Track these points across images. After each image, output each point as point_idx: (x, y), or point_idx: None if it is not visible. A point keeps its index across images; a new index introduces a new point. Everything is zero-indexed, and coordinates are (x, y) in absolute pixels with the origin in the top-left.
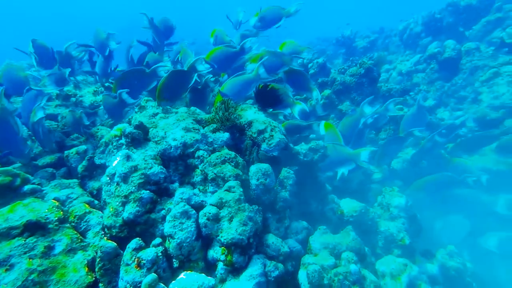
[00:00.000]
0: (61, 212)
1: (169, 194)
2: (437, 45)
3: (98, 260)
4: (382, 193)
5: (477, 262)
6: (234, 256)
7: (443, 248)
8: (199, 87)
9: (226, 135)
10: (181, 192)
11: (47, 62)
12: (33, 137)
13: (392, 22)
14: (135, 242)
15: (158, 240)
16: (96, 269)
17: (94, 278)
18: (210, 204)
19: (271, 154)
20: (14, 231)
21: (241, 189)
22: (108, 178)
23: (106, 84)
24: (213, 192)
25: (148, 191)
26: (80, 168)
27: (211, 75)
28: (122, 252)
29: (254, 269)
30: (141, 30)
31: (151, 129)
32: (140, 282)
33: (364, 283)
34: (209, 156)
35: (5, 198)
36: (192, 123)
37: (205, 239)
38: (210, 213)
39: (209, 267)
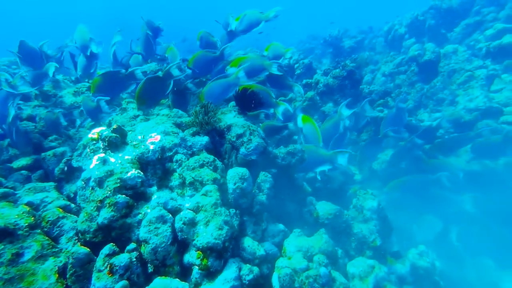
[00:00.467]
0: (32, 218)
1: (147, 198)
2: (418, 47)
3: (69, 266)
4: (357, 196)
5: (447, 260)
6: (209, 260)
7: (415, 247)
8: (180, 88)
9: (205, 139)
10: (158, 197)
11: (33, 62)
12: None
13: (383, 20)
14: (108, 247)
15: (132, 245)
16: (68, 276)
17: (65, 285)
18: (187, 209)
19: (250, 158)
20: None
21: (218, 193)
22: (83, 183)
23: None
24: (191, 196)
25: (124, 195)
26: (57, 171)
27: (190, 80)
28: (96, 257)
29: (229, 273)
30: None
31: (130, 132)
32: None
33: (334, 285)
34: (188, 159)
35: None
36: (171, 126)
37: (181, 244)
38: (186, 218)
39: (185, 272)
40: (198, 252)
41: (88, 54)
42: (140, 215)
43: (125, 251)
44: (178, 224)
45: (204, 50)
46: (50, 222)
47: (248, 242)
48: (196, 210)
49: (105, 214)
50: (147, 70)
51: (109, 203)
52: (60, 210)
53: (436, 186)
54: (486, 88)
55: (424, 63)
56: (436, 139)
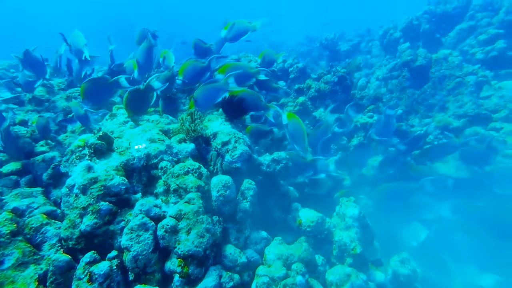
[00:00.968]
0: (15, 225)
1: (131, 205)
2: (410, 53)
3: (50, 274)
4: (340, 203)
5: (430, 267)
6: (190, 268)
7: (397, 255)
8: (171, 94)
9: (191, 146)
10: (141, 204)
11: (35, 69)
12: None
13: (382, 22)
14: (89, 255)
15: (114, 253)
16: (48, 284)
17: None
18: (170, 216)
19: (235, 165)
20: None
21: (201, 201)
22: (67, 189)
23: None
24: (175, 203)
25: (107, 202)
26: (45, 176)
27: (180, 90)
28: (77, 265)
29: (209, 280)
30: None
31: (117, 139)
32: None
33: None
34: (173, 166)
35: None
36: (157, 133)
37: (163, 251)
38: (168, 225)
39: (166, 279)
40: (179, 259)
41: (83, 58)
42: (124, 222)
43: (106, 258)
44: (160, 232)
45: (193, 59)
46: (33, 228)
47: (230, 250)
48: (179, 217)
49: (88, 221)
50: (131, 77)
51: (92, 210)
52: (45, 216)
53: (419, 192)
54: (476, 94)
55: (416, 69)
56: (426, 145)
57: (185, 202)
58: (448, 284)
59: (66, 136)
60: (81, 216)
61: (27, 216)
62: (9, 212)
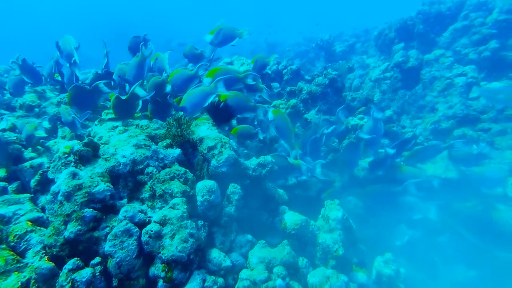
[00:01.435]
0: None
1: (117, 211)
2: (402, 54)
3: (32, 282)
4: (325, 206)
5: (416, 267)
6: (174, 273)
7: (381, 255)
8: (160, 99)
9: (177, 151)
10: (125, 210)
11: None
12: None
13: (381, 21)
14: (72, 262)
15: (97, 259)
16: None
17: None
18: (154, 221)
19: (220, 170)
20: None
21: (186, 206)
22: (52, 197)
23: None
24: (160, 208)
25: (91, 209)
26: (32, 183)
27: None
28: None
29: (193, 285)
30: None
31: (103, 145)
32: None
33: None
34: (159, 172)
35: None
36: (144, 139)
37: (147, 257)
38: (152, 231)
39: (151, 285)
40: (163, 264)
41: (73, 62)
42: (108, 228)
43: (90, 265)
44: (144, 238)
45: (181, 68)
46: (17, 236)
47: (215, 254)
48: (163, 223)
49: (72, 228)
50: (112, 82)
51: (76, 217)
52: (29, 223)
53: (403, 194)
54: (465, 95)
55: (408, 70)
56: (417, 146)
57: (169, 207)
58: (432, 283)
59: (55, 142)
60: (66, 223)
61: (13, 223)
62: None
